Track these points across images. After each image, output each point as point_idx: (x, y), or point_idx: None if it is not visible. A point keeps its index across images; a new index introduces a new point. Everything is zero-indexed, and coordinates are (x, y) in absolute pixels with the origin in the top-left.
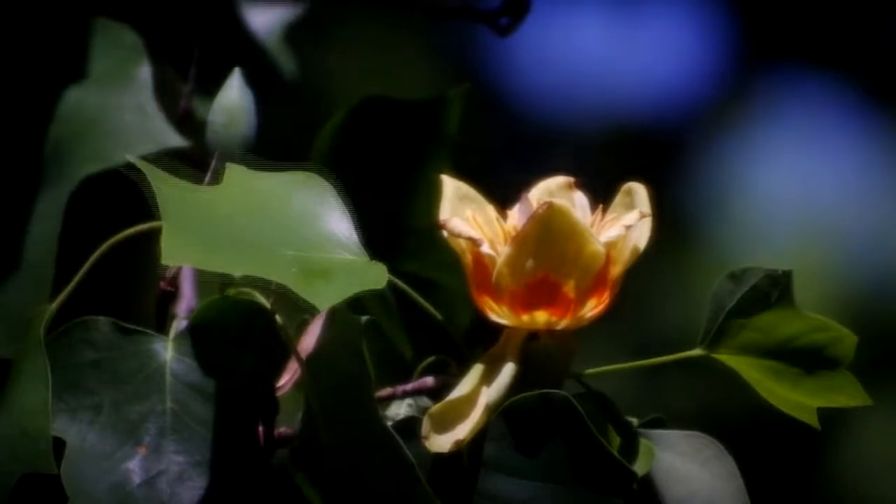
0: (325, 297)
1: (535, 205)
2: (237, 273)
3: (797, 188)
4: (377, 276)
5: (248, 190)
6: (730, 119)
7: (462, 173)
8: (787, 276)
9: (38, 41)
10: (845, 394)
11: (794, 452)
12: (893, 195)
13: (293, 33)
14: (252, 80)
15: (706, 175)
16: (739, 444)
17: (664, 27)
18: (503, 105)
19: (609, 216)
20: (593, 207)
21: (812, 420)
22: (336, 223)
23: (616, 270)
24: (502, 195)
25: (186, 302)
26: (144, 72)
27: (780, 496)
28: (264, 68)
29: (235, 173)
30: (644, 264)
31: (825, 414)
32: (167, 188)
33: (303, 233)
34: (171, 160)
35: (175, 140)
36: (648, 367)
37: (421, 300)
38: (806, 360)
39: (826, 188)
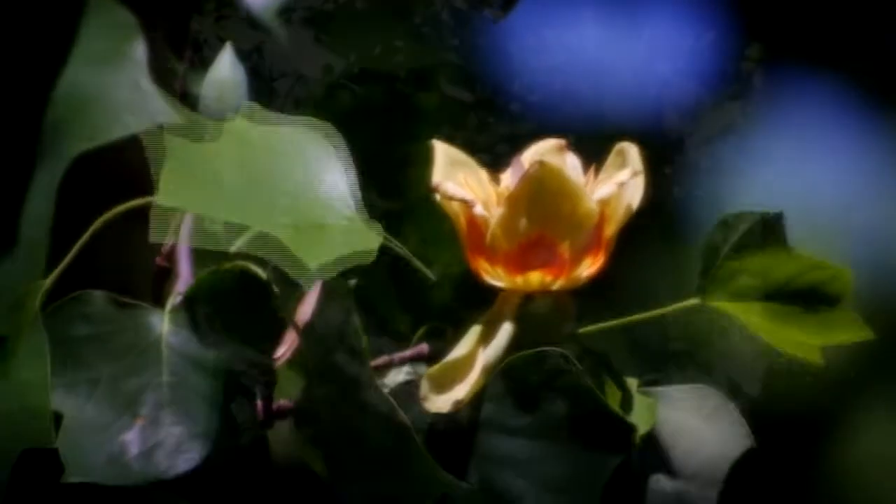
0: (317, 255)
1: (527, 166)
2: (232, 219)
3: (797, 188)
4: (371, 239)
5: (249, 144)
6: (730, 119)
7: None
8: (778, 218)
9: (32, 22)
10: (846, 330)
11: (792, 452)
12: (894, 195)
13: (292, 32)
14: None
15: (706, 175)
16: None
17: (664, 26)
18: (503, 105)
19: (601, 176)
20: (585, 169)
21: (815, 357)
22: (336, 182)
23: (610, 229)
24: None
25: (183, 277)
26: (139, 49)
27: (778, 496)
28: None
29: (235, 129)
30: (642, 264)
31: (825, 414)
32: (174, 138)
33: (301, 193)
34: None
35: (171, 115)
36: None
37: (417, 261)
38: (804, 299)
39: (826, 188)
